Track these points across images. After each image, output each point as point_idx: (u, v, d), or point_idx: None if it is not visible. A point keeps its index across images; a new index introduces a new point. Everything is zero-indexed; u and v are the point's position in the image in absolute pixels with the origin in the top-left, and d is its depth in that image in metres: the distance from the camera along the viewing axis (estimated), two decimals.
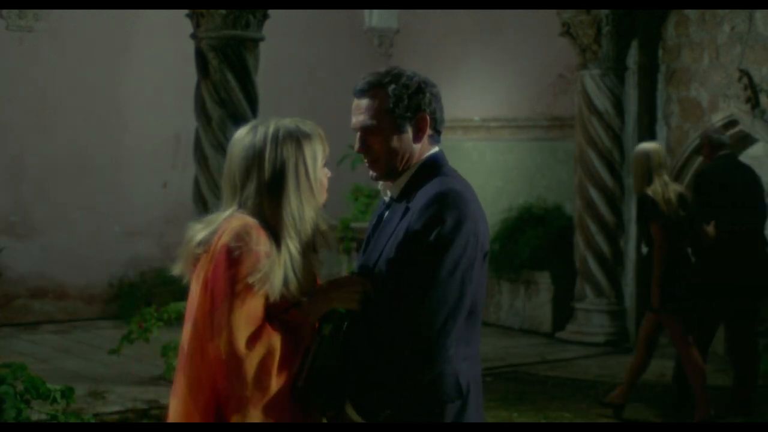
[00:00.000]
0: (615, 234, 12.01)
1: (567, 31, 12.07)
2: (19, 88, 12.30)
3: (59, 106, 12.54)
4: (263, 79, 11.78)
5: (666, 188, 8.33)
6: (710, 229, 8.60)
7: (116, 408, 8.36)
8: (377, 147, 3.53)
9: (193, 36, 9.69)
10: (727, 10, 11.31)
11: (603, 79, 11.91)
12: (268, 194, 3.38)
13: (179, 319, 8.63)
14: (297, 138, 3.43)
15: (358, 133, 3.55)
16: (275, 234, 3.35)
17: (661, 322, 8.58)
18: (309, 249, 3.43)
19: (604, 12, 11.75)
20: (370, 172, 3.60)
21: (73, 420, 6.86)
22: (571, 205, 12.54)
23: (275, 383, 3.28)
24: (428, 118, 3.54)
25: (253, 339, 3.27)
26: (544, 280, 12.55)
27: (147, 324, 8.70)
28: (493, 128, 13.97)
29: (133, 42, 12.99)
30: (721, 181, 8.89)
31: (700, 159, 10.54)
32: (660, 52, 12.01)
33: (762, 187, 9.22)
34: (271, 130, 3.43)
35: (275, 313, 3.34)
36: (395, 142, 3.53)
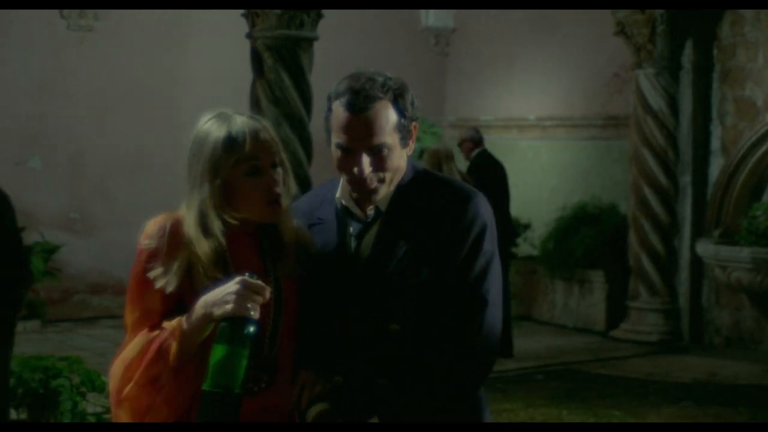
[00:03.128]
0: (669, 233, 12.00)
1: (621, 31, 12.07)
2: (79, 87, 12.51)
3: (118, 104, 12.74)
4: (319, 79, 11.87)
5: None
6: None
7: None
8: (390, 166, 3.20)
9: (249, 36, 9.81)
10: None
11: (657, 78, 11.89)
12: (189, 189, 3.14)
13: None
14: (202, 138, 3.12)
15: (365, 155, 3.15)
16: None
17: None
18: (220, 248, 3.10)
19: (658, 11, 11.74)
20: (370, 195, 3.22)
21: None
22: (626, 204, 12.53)
23: (135, 393, 3.07)
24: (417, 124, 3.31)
25: (128, 339, 3.13)
26: (598, 278, 12.56)
27: None
28: (549, 127, 14.00)
29: (191, 42, 13.17)
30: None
31: (758, 154, 10.62)
32: (715, 52, 11.98)
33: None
34: (206, 125, 3.15)
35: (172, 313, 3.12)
36: (402, 158, 3.26)
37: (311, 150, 9.72)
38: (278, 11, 9.54)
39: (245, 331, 2.95)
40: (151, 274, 3.09)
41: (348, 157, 3.17)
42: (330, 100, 3.23)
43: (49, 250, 11.97)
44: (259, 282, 3.00)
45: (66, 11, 12.46)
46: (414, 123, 3.25)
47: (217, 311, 2.97)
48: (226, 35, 12.16)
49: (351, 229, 3.28)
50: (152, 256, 3.11)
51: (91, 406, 7.26)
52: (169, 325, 3.07)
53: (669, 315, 11.97)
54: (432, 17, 15.29)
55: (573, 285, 12.82)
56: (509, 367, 10.46)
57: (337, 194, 3.31)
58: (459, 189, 3.28)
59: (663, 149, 11.92)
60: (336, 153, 3.21)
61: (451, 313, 3.17)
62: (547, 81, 13.96)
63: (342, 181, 3.29)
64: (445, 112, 15.36)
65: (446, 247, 3.19)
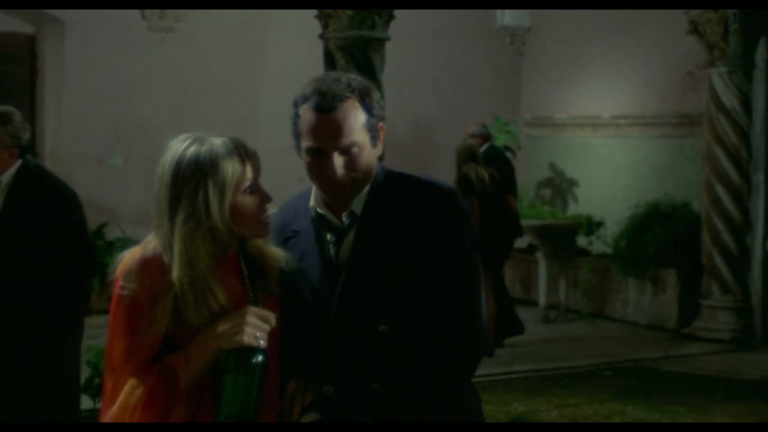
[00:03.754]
0: (742, 231, 11.99)
1: (694, 29, 12.08)
2: (159, 87, 12.81)
3: (197, 104, 12.99)
4: (395, 79, 12.07)
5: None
6: None
7: None
8: (362, 166, 3.15)
9: (321, 36, 10.00)
10: None
11: (730, 76, 11.89)
12: (168, 219, 3.03)
13: None
14: (201, 162, 3.02)
15: (336, 156, 3.11)
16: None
17: None
18: (209, 281, 3.00)
19: (731, 10, 11.74)
20: (344, 197, 3.20)
21: None
22: (698, 202, 12.53)
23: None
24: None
25: (115, 389, 2.99)
26: (670, 276, 12.58)
27: None
28: (622, 126, 14.04)
29: (268, 42, 13.42)
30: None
31: None
32: None
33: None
34: (180, 149, 3.06)
35: (163, 351, 3.02)
36: (372, 159, 3.20)
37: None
38: (350, 12, 9.71)
39: (254, 361, 2.94)
40: (137, 326, 2.97)
41: (319, 161, 3.13)
42: (296, 105, 3.19)
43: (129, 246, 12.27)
44: (266, 311, 2.99)
45: (147, 13, 12.77)
46: (381, 123, 3.21)
47: (226, 343, 2.95)
48: (303, 35, 12.37)
49: (328, 237, 3.24)
50: (134, 304, 2.99)
51: None
52: (171, 361, 2.98)
53: (741, 313, 11.95)
54: (507, 16, 15.38)
55: (645, 283, 12.85)
56: (578, 363, 10.58)
57: (311, 203, 3.27)
58: (434, 186, 3.25)
59: (736, 147, 11.91)
60: (306, 159, 3.17)
61: (438, 311, 3.15)
62: (621, 79, 14.01)
63: (314, 189, 3.27)
64: (521, 111, 15.46)
65: (427, 246, 3.16)
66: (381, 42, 9.93)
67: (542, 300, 13.18)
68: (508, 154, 13.99)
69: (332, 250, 3.22)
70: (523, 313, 13.14)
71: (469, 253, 3.21)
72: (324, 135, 3.11)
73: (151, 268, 3.01)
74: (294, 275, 3.20)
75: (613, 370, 10.42)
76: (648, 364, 10.80)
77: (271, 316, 3.00)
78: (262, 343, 2.96)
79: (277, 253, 3.18)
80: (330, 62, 9.92)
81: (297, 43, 13.08)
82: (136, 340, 2.98)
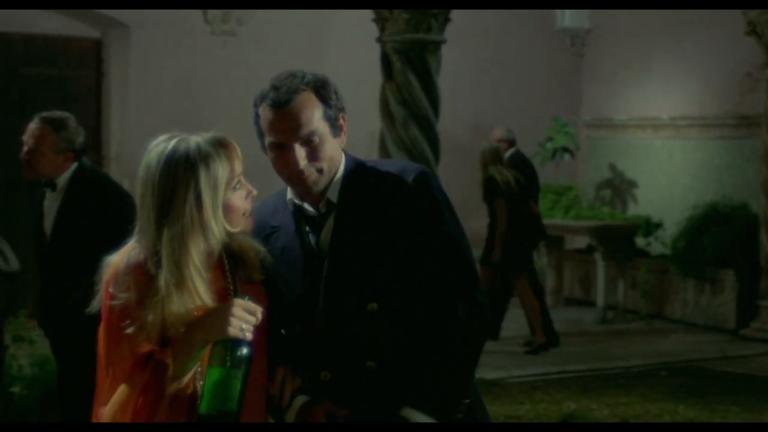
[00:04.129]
0: None
1: (753, 30, 12.08)
2: (222, 90, 13.01)
3: None
4: (455, 80, 12.21)
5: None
6: None
7: None
8: (324, 155, 3.24)
9: (378, 40, 10.15)
10: None
11: None
12: (155, 222, 3.01)
13: None
14: (192, 161, 3.04)
15: (297, 147, 3.20)
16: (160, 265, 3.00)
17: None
18: (196, 283, 2.99)
19: None
20: (311, 187, 3.26)
21: None
22: (757, 203, 12.51)
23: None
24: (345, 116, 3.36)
25: (111, 391, 3.01)
26: (728, 277, 12.58)
27: None
28: (682, 127, 14.06)
29: (330, 45, 13.58)
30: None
31: None
32: None
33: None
34: (167, 150, 3.10)
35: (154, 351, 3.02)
36: (335, 148, 3.30)
37: (438, 150, 10.02)
38: (406, 16, 9.85)
39: (239, 354, 2.95)
40: (128, 332, 2.97)
41: (282, 155, 3.22)
42: (256, 105, 3.32)
43: None
44: (252, 304, 2.99)
45: (210, 17, 12.99)
46: (342, 114, 3.31)
47: (212, 335, 2.95)
48: (363, 38, 12.53)
49: (307, 227, 3.33)
50: (124, 313, 3.00)
51: None
52: (162, 355, 2.99)
53: None
54: (568, 18, 15.44)
55: (704, 284, 12.86)
56: (634, 363, 10.65)
57: (288, 196, 3.37)
58: (406, 167, 3.34)
59: None
60: (270, 155, 3.27)
61: (425, 283, 3.21)
62: (680, 81, 14.04)
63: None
64: (580, 112, 15.52)
65: (404, 221, 3.23)
66: (437, 45, 10.05)
67: (600, 301, 13.21)
68: (567, 156, 14.08)
69: (312, 239, 3.31)
70: (581, 313, 13.25)
71: (448, 225, 3.27)
72: (282, 128, 3.21)
73: (137, 274, 3.01)
74: (277, 268, 3.26)
75: (669, 370, 10.47)
76: (703, 365, 10.83)
77: (258, 309, 2.99)
78: (248, 335, 2.96)
79: (254, 243, 3.19)
80: (387, 65, 10.07)
81: (357, 46, 13.23)
82: (128, 347, 2.99)
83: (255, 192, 3.18)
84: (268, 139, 3.25)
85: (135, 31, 12.73)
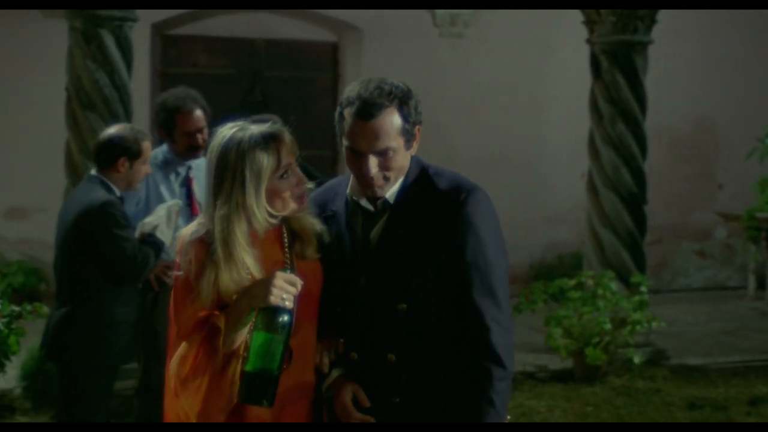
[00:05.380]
0: None
1: None
2: (450, 90, 13.54)
3: (486, 105, 13.70)
4: (675, 77, 12.45)
5: None
6: None
7: None
8: (394, 166, 3.53)
9: (588, 41, 10.62)
10: None
11: None
12: (213, 203, 3.45)
13: (563, 293, 9.70)
14: (241, 151, 3.41)
15: (372, 157, 3.49)
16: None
17: None
18: (244, 257, 3.41)
19: None
20: (377, 191, 3.55)
21: None
22: None
23: (190, 388, 3.43)
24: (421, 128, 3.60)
25: (175, 344, 3.48)
26: None
27: (533, 296, 9.76)
28: None
29: (554, 45, 13.90)
30: None
31: None
32: None
33: None
34: (225, 138, 3.46)
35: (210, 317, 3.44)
36: (406, 158, 3.59)
37: (645, 146, 10.39)
38: (613, 18, 10.27)
39: (280, 320, 3.30)
40: (189, 298, 3.43)
41: (357, 159, 3.50)
42: (341, 106, 3.53)
43: None
44: (293, 276, 3.34)
45: (439, 20, 13.59)
46: (417, 126, 3.58)
47: (256, 302, 3.32)
48: (581, 39, 12.90)
49: (361, 221, 3.63)
50: (186, 282, 3.45)
51: None
52: (216, 319, 3.40)
53: None
54: None
55: None
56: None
57: (348, 191, 3.68)
58: (459, 183, 3.61)
59: None
60: (346, 154, 3.55)
61: (451, 297, 3.52)
62: None
63: (352, 178, 3.66)
64: None
65: (445, 236, 3.51)
66: (644, 45, 10.43)
67: None
68: None
69: (362, 233, 3.63)
70: None
71: (485, 247, 3.54)
72: (362, 140, 3.48)
73: (197, 246, 3.45)
74: (329, 250, 3.64)
75: None
76: None
77: (297, 281, 3.34)
78: (288, 304, 3.31)
79: (315, 222, 3.61)
80: (595, 65, 10.53)
81: (581, 45, 13.56)
82: (189, 312, 3.44)
83: (305, 180, 3.55)
84: (346, 143, 3.53)
85: (368, 35, 13.47)
